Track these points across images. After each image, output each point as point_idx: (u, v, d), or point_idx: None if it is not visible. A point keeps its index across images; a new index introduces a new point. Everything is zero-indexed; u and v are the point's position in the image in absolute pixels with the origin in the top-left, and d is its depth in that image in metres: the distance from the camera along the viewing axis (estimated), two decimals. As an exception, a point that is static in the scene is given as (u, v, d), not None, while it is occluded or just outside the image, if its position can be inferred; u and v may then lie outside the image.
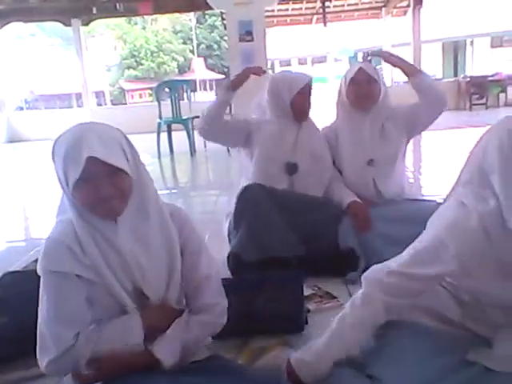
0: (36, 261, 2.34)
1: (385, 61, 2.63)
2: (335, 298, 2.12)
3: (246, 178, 2.61)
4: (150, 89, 26.30)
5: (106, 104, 23.78)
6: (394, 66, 2.58)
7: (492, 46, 23.31)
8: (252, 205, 2.31)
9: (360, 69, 2.52)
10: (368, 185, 2.59)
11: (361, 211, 2.43)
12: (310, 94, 2.56)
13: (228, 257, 2.40)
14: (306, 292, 2.01)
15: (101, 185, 1.21)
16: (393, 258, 1.37)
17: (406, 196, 2.69)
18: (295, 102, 2.51)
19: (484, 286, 1.28)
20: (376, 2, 12.86)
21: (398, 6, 12.66)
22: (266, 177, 2.51)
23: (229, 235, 2.49)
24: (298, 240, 2.32)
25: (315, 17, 13.36)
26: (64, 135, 1.24)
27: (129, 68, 28.16)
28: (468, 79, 11.47)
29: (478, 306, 1.34)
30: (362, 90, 2.53)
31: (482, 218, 1.22)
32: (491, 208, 1.22)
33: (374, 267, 1.40)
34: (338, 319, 1.38)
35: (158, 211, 1.35)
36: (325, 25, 12.93)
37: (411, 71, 2.54)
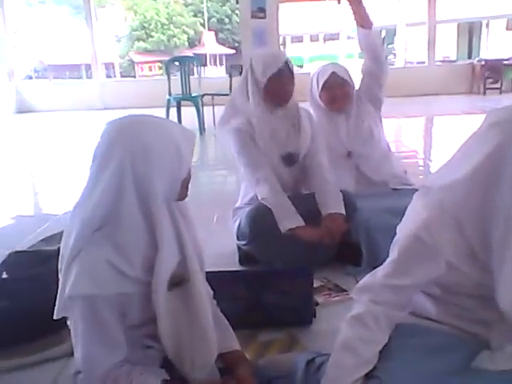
0: (43, 240, 2.33)
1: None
2: (344, 290, 2.08)
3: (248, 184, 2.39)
4: (160, 62, 26.09)
5: (115, 76, 23.57)
6: (351, 6, 2.52)
7: (508, 29, 22.85)
8: (264, 230, 2.18)
9: (333, 73, 2.47)
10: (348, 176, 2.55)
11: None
12: (288, 76, 2.21)
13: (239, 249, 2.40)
14: (315, 284, 1.97)
15: None
16: (382, 266, 1.29)
17: (401, 181, 2.60)
18: (269, 87, 2.20)
19: (459, 277, 1.20)
20: (392, -20, 12.63)
21: (415, -16, 12.43)
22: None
23: (237, 234, 2.36)
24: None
25: (329, -7, 13.14)
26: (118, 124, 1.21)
27: (139, 40, 27.89)
28: (483, 62, 11.25)
29: (450, 299, 1.28)
30: (335, 93, 2.51)
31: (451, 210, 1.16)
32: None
33: (365, 281, 1.31)
34: (344, 346, 1.24)
35: None
36: (339, 2, 12.67)
37: (364, 21, 2.50)
